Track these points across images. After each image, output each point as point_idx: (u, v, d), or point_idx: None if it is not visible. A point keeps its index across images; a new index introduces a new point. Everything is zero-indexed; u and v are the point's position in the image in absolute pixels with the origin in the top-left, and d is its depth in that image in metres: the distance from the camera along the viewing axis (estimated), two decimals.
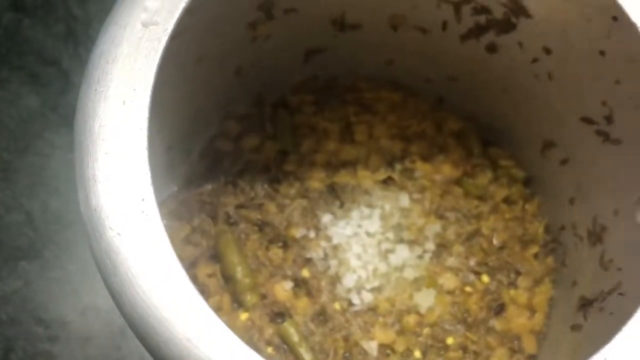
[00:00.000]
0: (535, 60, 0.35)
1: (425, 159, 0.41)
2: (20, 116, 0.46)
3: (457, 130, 0.42)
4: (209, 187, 0.39)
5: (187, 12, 0.27)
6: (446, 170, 0.41)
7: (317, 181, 0.40)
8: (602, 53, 0.32)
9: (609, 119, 0.33)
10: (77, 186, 0.22)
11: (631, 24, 0.28)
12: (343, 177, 0.40)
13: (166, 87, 0.29)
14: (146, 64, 0.24)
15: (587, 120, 0.34)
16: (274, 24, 0.36)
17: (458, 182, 0.41)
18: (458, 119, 0.42)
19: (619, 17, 0.29)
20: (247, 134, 0.41)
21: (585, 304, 0.34)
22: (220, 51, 0.35)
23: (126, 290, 0.21)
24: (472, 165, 0.41)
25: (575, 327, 0.34)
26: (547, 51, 0.35)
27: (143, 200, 0.22)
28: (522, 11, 0.34)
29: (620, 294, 0.30)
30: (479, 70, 0.39)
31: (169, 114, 0.34)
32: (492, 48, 0.37)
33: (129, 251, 0.21)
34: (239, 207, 0.39)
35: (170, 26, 0.24)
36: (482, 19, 0.36)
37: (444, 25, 0.37)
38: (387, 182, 0.40)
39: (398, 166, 0.41)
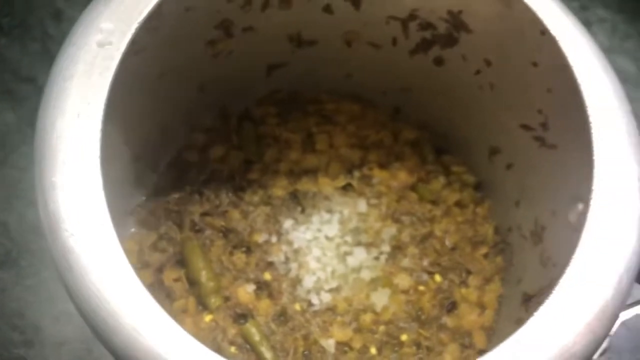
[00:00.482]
0: (478, 72, 0.38)
1: (383, 166, 0.43)
2: None
3: (413, 139, 0.44)
4: (175, 196, 0.41)
5: (145, 31, 0.29)
6: (402, 177, 0.43)
7: (280, 189, 0.42)
8: (534, 64, 0.34)
9: (544, 126, 0.35)
10: (36, 193, 0.24)
11: (553, 38, 0.31)
12: (305, 185, 0.43)
13: (128, 101, 0.31)
14: (100, 80, 0.26)
15: (526, 127, 0.37)
16: (234, 42, 0.38)
17: (413, 187, 0.43)
18: (413, 129, 0.44)
19: (546, 31, 0.32)
20: (213, 145, 0.43)
21: (527, 300, 0.36)
22: (182, 67, 0.37)
23: (79, 285, 0.23)
24: (426, 172, 0.43)
25: (519, 321, 0.35)
26: (488, 63, 0.37)
27: (95, 203, 0.24)
28: (462, 26, 0.36)
29: None
30: (429, 82, 0.41)
31: (135, 127, 0.36)
32: (439, 61, 0.39)
33: (82, 250, 0.23)
34: (204, 214, 0.41)
35: (123, 46, 0.27)
36: (428, 34, 0.38)
37: (394, 41, 0.39)
38: (346, 188, 0.43)
39: (357, 173, 0.43)
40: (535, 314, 0.25)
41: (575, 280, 0.26)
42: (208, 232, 0.41)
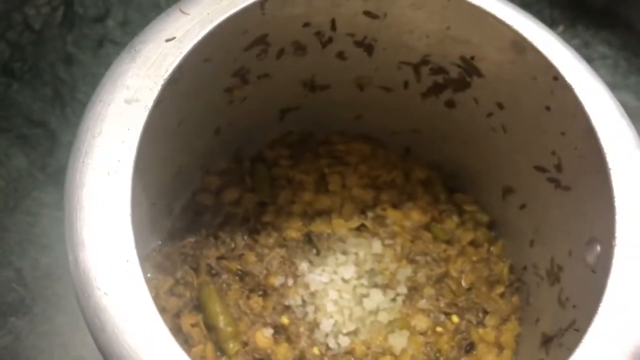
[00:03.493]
0: (490, 114, 0.39)
1: (395, 206, 0.44)
2: (9, 176, 0.48)
3: (424, 178, 0.45)
4: (191, 240, 0.42)
5: (168, 83, 0.30)
6: (415, 217, 0.43)
7: (294, 230, 0.43)
8: (547, 108, 0.35)
9: (558, 167, 0.36)
10: (67, 251, 0.24)
11: (568, 84, 0.32)
12: (319, 226, 0.43)
13: (149, 150, 0.31)
14: (129, 137, 0.26)
15: (540, 169, 0.37)
16: (249, 88, 0.39)
17: (427, 227, 0.43)
18: (424, 168, 0.45)
19: (559, 77, 0.32)
20: (227, 188, 0.44)
21: (546, 340, 0.36)
22: (200, 114, 0.38)
23: (113, 346, 0.23)
24: (439, 211, 0.44)
25: None
26: (500, 106, 0.38)
27: (127, 261, 0.24)
28: (475, 71, 0.37)
29: (576, 330, 0.33)
30: (440, 123, 0.42)
31: (153, 173, 0.36)
32: (450, 104, 0.40)
33: (115, 309, 0.23)
34: (220, 258, 0.41)
35: (150, 103, 0.27)
36: (440, 78, 0.39)
37: (406, 85, 0.40)
38: (360, 229, 0.43)
39: (370, 214, 0.43)
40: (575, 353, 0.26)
41: (605, 324, 0.27)
42: (224, 276, 0.41)
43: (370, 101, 0.42)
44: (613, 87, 0.54)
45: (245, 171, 0.44)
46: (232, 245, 0.42)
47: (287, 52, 0.38)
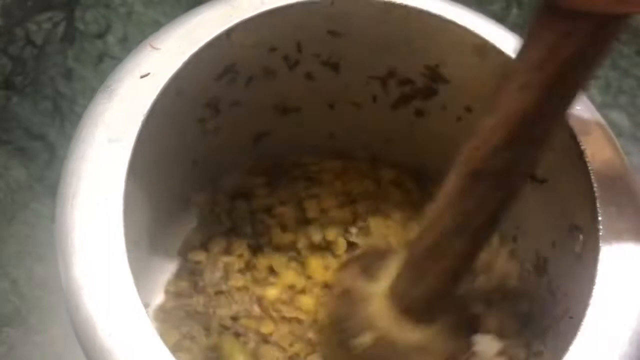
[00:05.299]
0: (459, 118, 0.40)
1: (374, 213, 0.44)
2: (7, 188, 0.48)
3: (393, 178, 0.45)
4: (199, 299, 0.40)
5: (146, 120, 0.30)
6: (396, 215, 0.44)
7: (290, 270, 0.42)
8: None
9: None
10: (63, 291, 0.24)
11: None
12: (314, 259, 0.42)
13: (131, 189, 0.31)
14: (115, 175, 0.26)
15: None
16: (222, 117, 0.39)
17: (411, 219, 0.43)
18: (391, 169, 0.45)
19: None
20: (213, 240, 0.42)
21: (542, 331, 0.36)
22: (175, 149, 0.37)
23: None
24: (415, 207, 0.44)
25: (538, 354, 0.37)
26: (468, 109, 0.39)
27: (127, 299, 0.24)
28: (440, 78, 0.38)
29: (570, 317, 0.33)
30: (410, 133, 0.42)
31: (140, 215, 0.36)
32: (419, 113, 0.41)
33: (121, 348, 0.23)
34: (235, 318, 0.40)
35: (132, 140, 0.27)
36: (407, 89, 0.40)
37: (374, 99, 0.41)
38: (352, 246, 0.43)
39: (353, 230, 0.44)
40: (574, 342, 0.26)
41: (599, 312, 0.27)
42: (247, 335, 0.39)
43: (340, 118, 0.43)
44: (604, 106, 0.56)
45: (223, 210, 0.44)
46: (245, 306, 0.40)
47: (256, 78, 0.38)
